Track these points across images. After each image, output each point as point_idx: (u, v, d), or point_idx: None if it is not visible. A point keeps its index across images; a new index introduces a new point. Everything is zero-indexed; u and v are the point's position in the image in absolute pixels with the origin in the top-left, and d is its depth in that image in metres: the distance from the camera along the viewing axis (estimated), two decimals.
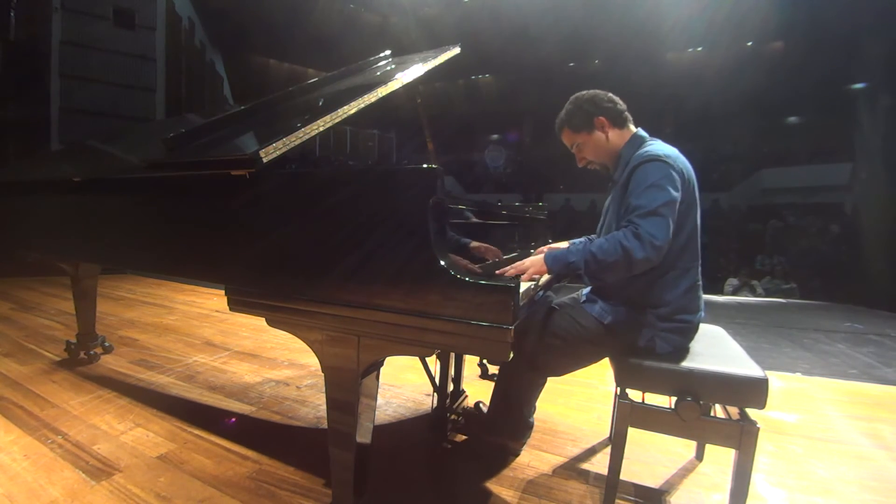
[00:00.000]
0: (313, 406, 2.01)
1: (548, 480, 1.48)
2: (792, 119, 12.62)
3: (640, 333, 1.24)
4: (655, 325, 1.23)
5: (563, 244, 1.44)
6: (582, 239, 1.53)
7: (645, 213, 1.12)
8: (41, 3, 6.64)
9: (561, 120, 1.41)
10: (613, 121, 1.35)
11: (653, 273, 1.21)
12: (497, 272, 1.20)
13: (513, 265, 1.22)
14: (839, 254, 7.93)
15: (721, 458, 1.57)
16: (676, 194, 1.15)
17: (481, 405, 1.76)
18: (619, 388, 1.25)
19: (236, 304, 1.20)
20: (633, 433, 1.20)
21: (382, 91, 1.46)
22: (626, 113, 1.38)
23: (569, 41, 10.49)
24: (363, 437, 1.11)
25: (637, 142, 1.33)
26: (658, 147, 1.25)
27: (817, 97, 10.39)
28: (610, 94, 1.38)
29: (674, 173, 1.17)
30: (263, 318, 1.16)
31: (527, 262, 1.22)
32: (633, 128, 1.38)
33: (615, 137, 1.36)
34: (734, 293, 7.40)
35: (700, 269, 1.28)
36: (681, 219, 1.20)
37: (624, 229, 1.13)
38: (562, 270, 1.22)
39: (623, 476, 1.27)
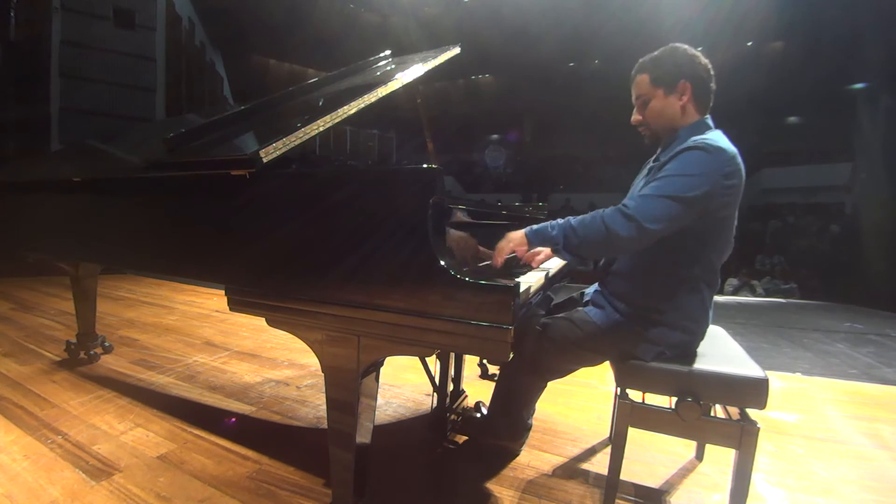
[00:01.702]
0: (313, 406, 2.01)
1: (548, 480, 1.48)
2: (792, 119, 12.64)
3: (646, 349, 1.19)
4: (664, 341, 1.19)
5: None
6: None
7: (653, 195, 1.03)
8: (41, 3, 6.65)
9: (644, 63, 1.21)
10: (698, 95, 1.19)
11: (676, 279, 1.16)
12: (494, 265, 1.17)
13: (496, 247, 1.17)
14: (839, 254, 7.93)
15: (721, 458, 1.57)
16: (700, 199, 1.04)
17: (481, 405, 1.76)
18: (619, 389, 1.25)
19: (236, 304, 1.19)
20: (633, 433, 1.20)
21: (382, 91, 1.46)
22: (712, 96, 1.21)
23: (569, 41, 10.50)
24: (363, 437, 1.11)
25: (702, 128, 1.18)
26: (716, 138, 1.11)
27: (817, 97, 10.41)
28: (711, 68, 1.20)
29: (719, 173, 1.05)
30: (263, 318, 1.16)
31: (506, 237, 1.17)
32: (706, 114, 1.23)
33: (689, 114, 1.19)
34: (734, 293, 7.40)
35: (719, 275, 1.22)
36: (726, 224, 1.12)
37: (613, 207, 1.06)
38: (542, 244, 1.15)
39: (623, 476, 1.27)
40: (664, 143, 1.24)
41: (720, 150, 1.06)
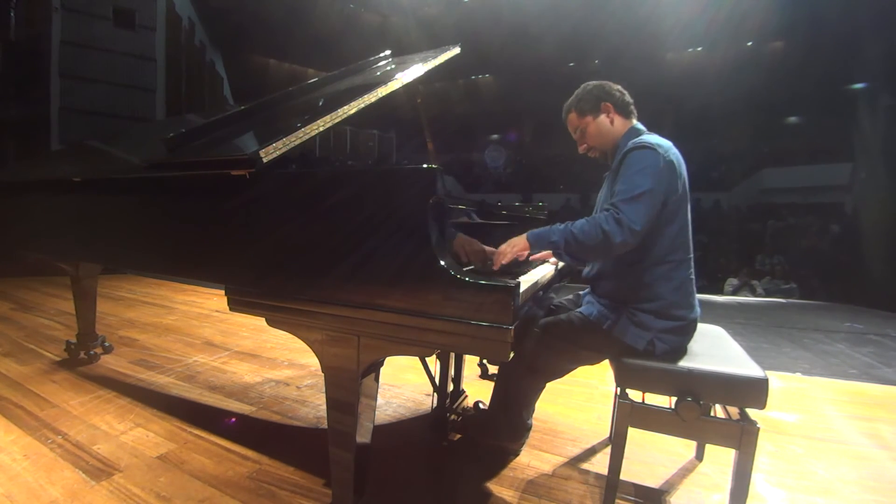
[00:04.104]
0: (313, 406, 2.01)
1: (548, 480, 1.48)
2: (792, 119, 12.62)
3: (637, 336, 1.24)
4: (653, 326, 1.23)
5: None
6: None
7: (627, 199, 1.15)
8: (41, 3, 6.64)
9: (569, 104, 1.45)
10: (619, 109, 1.39)
11: (645, 266, 1.23)
12: (494, 267, 1.22)
13: (498, 251, 1.25)
14: (839, 254, 7.92)
15: (721, 458, 1.57)
16: (658, 184, 1.18)
17: (480, 405, 1.76)
18: (619, 388, 1.25)
19: (236, 304, 1.20)
20: (633, 433, 1.20)
21: (382, 91, 1.47)
22: (632, 106, 1.42)
23: (569, 41, 10.49)
24: (363, 437, 1.11)
25: (634, 133, 1.37)
26: (651, 137, 1.29)
27: (817, 97, 10.39)
28: (619, 86, 1.43)
29: (661, 163, 1.19)
30: (263, 318, 1.16)
31: (509, 242, 1.25)
32: (635, 121, 1.42)
33: (619, 125, 1.40)
34: (734, 293, 7.40)
35: (693, 262, 1.29)
36: (673, 209, 1.22)
37: (605, 213, 1.16)
38: (543, 248, 1.24)
39: (623, 476, 1.27)
40: (611, 154, 1.43)
41: (656, 145, 1.23)
